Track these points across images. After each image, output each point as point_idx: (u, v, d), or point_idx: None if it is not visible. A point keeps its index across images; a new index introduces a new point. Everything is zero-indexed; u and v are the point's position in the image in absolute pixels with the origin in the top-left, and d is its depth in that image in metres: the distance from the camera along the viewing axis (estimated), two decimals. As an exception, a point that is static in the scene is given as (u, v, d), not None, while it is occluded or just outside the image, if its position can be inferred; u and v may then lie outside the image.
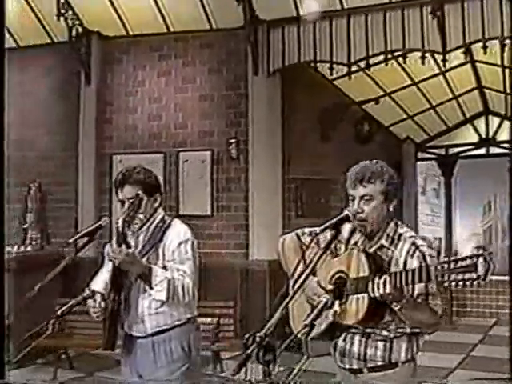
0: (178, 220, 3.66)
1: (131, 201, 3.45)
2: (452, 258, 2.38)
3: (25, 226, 8.36)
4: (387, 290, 2.54)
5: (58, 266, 3.49)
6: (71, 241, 3.27)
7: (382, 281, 2.56)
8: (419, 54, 7.69)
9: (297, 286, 2.32)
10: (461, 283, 2.34)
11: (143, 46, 8.97)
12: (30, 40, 9.11)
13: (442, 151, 11.40)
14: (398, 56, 8.25)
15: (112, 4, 8.55)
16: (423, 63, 7.62)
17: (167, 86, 8.90)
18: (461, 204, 11.34)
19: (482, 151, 11.17)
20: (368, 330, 2.86)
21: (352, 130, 10.00)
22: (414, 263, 2.74)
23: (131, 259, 3.32)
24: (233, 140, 8.60)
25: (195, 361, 3.49)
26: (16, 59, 9.28)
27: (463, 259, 2.32)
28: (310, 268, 2.42)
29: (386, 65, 8.18)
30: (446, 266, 2.36)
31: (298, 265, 2.71)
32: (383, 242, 2.88)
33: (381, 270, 2.67)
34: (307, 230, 2.98)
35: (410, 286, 2.67)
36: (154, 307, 3.46)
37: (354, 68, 8.49)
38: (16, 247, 7.26)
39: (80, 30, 8.66)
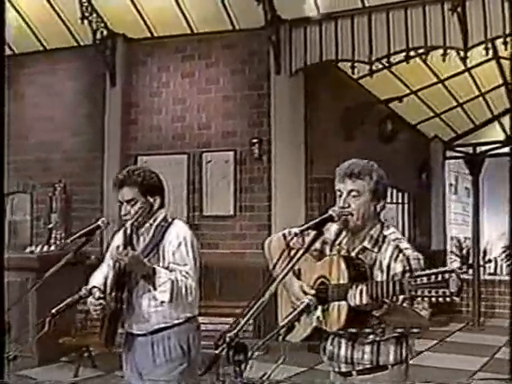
0: (179, 220, 3.67)
1: (140, 205, 3.49)
2: (424, 273, 2.33)
3: (49, 226, 8.50)
4: (363, 301, 2.50)
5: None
6: (69, 241, 3.33)
7: (358, 291, 2.51)
8: (441, 51, 7.65)
9: (272, 286, 2.31)
10: (433, 299, 2.29)
11: (167, 48, 9.08)
12: (57, 43, 9.27)
13: (470, 149, 11.29)
14: (421, 54, 8.22)
15: (135, 6, 8.67)
16: (444, 60, 7.56)
17: (191, 87, 9.00)
18: (489, 203, 11.21)
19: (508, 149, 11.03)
20: (354, 334, 2.82)
21: (376, 129, 9.96)
22: (397, 267, 2.70)
23: (136, 261, 3.36)
24: (256, 140, 8.65)
25: (195, 360, 3.51)
26: (44, 62, 9.50)
27: (435, 274, 2.28)
28: (286, 269, 2.37)
29: (407, 62, 8.13)
30: (418, 280, 2.30)
31: (281, 265, 2.71)
32: (366, 243, 2.84)
33: (361, 277, 2.63)
34: (294, 230, 2.94)
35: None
36: (154, 306, 3.49)
37: (379, 66, 8.48)
38: (40, 247, 7.39)
39: (105, 32, 8.78)
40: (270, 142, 8.62)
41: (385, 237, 2.83)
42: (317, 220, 2.65)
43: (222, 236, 8.72)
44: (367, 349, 2.83)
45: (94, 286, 3.52)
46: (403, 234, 10.55)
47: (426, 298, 2.65)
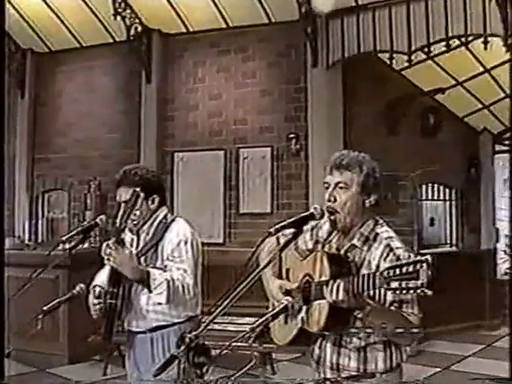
0: (180, 219, 3.66)
1: (128, 198, 3.46)
2: (395, 264, 2.25)
3: (83, 224, 8.58)
4: (340, 297, 2.42)
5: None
6: (65, 238, 3.33)
7: (335, 286, 2.44)
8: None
9: (242, 286, 2.23)
10: (404, 292, 2.20)
11: (202, 43, 9.07)
12: (93, 40, 9.36)
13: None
14: (463, 43, 8.00)
15: (169, 1, 8.67)
16: (486, 48, 7.32)
17: (227, 82, 8.97)
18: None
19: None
20: (338, 338, 2.74)
21: (419, 122, 9.73)
22: (396, 271, 2.48)
23: (126, 260, 3.33)
24: (292, 135, 8.56)
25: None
26: (80, 59, 9.62)
27: (406, 265, 2.19)
28: (258, 269, 2.31)
29: (448, 52, 7.91)
30: (391, 272, 2.22)
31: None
32: (355, 241, 2.74)
33: (345, 275, 2.52)
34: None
35: (383, 292, 2.53)
36: (152, 303, 3.48)
37: (422, 56, 8.29)
38: (73, 244, 7.44)
39: (139, 28, 8.81)
40: (307, 138, 8.53)
41: (377, 235, 2.73)
42: (296, 218, 2.59)
43: (259, 234, 8.66)
44: (353, 355, 2.74)
45: (96, 285, 3.52)
46: (451, 233, 10.36)
47: (415, 305, 2.57)
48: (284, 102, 8.66)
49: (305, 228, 2.90)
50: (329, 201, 2.72)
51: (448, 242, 10.29)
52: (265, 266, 2.35)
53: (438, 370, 7.22)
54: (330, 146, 8.50)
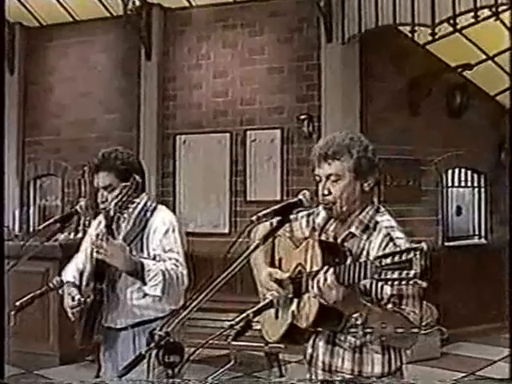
0: (162, 206, 3.74)
1: (119, 191, 3.53)
2: (387, 252, 2.27)
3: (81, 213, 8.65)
4: (328, 281, 2.42)
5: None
6: (41, 227, 3.41)
7: (322, 274, 2.44)
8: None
9: (221, 278, 2.29)
10: (396, 283, 2.21)
11: (207, 17, 9.09)
12: (87, 14, 9.42)
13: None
14: (493, 15, 7.97)
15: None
16: (514, 20, 7.31)
17: (233, 59, 9.00)
18: None
19: None
20: (331, 335, 2.75)
21: (444, 101, 9.71)
22: (387, 260, 2.49)
23: (118, 252, 3.39)
24: (304, 116, 8.57)
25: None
26: (74, 34, 9.70)
27: (399, 253, 2.20)
28: (240, 259, 2.34)
29: (476, 23, 7.88)
30: (383, 261, 2.23)
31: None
32: (353, 229, 2.74)
33: (339, 265, 2.51)
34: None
35: (379, 286, 2.56)
36: (137, 298, 3.55)
37: (448, 29, 8.27)
38: (65, 234, 7.55)
39: (137, 2, 8.86)
40: (321, 119, 8.53)
41: (377, 223, 2.74)
42: (282, 204, 2.62)
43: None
44: (347, 355, 2.74)
45: (68, 282, 3.59)
46: (479, 222, 10.35)
47: (416, 302, 2.59)
48: (295, 80, 8.67)
49: (300, 214, 2.98)
50: (323, 195, 2.74)
51: (476, 233, 10.27)
52: (246, 257, 2.38)
53: (463, 374, 7.22)
54: (346, 127, 8.51)
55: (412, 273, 2.17)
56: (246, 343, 6.15)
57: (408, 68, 9.02)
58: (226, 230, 8.79)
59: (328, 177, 2.75)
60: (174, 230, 3.59)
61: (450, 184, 9.84)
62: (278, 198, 8.62)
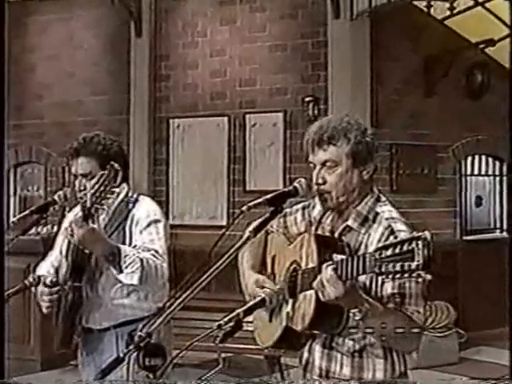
0: (146, 197, 3.77)
1: (103, 172, 3.54)
2: (387, 243, 2.26)
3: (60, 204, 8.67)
4: (327, 276, 2.39)
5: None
6: (15, 219, 3.42)
7: (322, 271, 2.42)
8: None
9: (207, 274, 2.29)
10: (398, 276, 2.19)
11: (203, -11, 9.11)
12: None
13: None
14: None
15: None
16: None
17: (232, 36, 9.01)
18: None
19: None
20: (329, 339, 2.73)
21: (463, 81, 9.68)
22: (388, 251, 2.44)
23: (95, 237, 3.40)
24: (310, 98, 8.56)
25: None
26: (57, 8, 9.71)
27: (400, 244, 2.19)
28: (225, 257, 2.32)
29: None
30: (383, 253, 2.22)
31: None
32: (350, 222, 2.72)
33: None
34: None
35: (379, 283, 2.54)
36: (120, 296, 3.57)
37: (469, 2, 8.26)
38: (48, 227, 7.58)
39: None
40: (327, 101, 8.54)
41: (377, 214, 2.72)
42: (275, 193, 2.60)
43: (269, 215, 8.75)
44: (346, 360, 2.72)
45: (43, 275, 3.60)
46: (501, 214, 10.34)
47: (420, 300, 2.58)
48: (299, 58, 8.67)
49: (295, 207, 2.96)
50: (317, 184, 2.72)
51: (497, 226, 10.26)
52: (235, 251, 2.36)
53: (484, 382, 7.22)
54: (355, 110, 8.51)
55: (414, 264, 2.15)
56: (244, 346, 6.20)
57: (423, 45, 9.00)
58: (224, 223, 8.79)
59: (323, 164, 2.72)
60: (156, 222, 3.60)
61: (468, 172, 9.82)
62: (281, 187, 8.62)
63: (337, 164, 2.71)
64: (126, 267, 3.42)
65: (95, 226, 3.46)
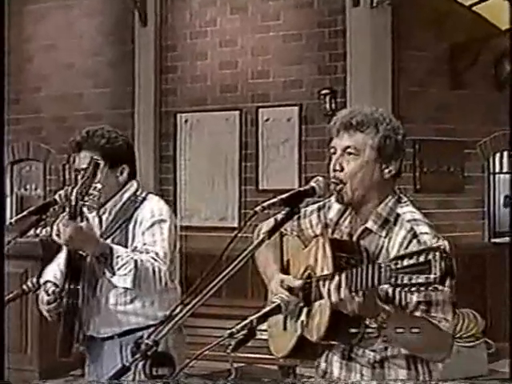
0: (155, 196, 3.79)
1: (84, 167, 3.56)
2: (403, 253, 2.27)
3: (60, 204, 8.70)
4: (341, 295, 2.40)
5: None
6: (12, 221, 3.45)
7: (335, 282, 2.42)
8: None
9: (218, 279, 2.30)
10: (414, 289, 2.20)
11: (212, -25, 9.13)
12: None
13: None
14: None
15: None
16: None
17: (243, 25, 9.02)
18: None
19: None
20: (347, 349, 2.74)
21: (491, 71, 9.65)
22: (404, 261, 2.43)
23: (83, 236, 3.41)
24: (327, 91, 8.56)
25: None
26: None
27: (416, 254, 2.19)
28: (241, 257, 2.33)
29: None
30: (399, 263, 2.22)
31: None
32: (369, 224, 2.72)
33: (354, 268, 2.47)
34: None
35: (402, 293, 2.55)
36: (124, 302, 3.60)
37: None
38: (47, 229, 7.59)
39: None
40: (346, 94, 8.55)
41: (398, 216, 2.72)
42: (290, 193, 2.60)
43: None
44: (366, 371, 2.73)
45: (48, 281, 3.63)
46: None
47: (447, 307, 2.58)
48: (316, 49, 8.67)
49: (310, 209, 2.97)
50: (334, 170, 2.72)
51: (528, 227, 10.23)
52: (247, 255, 2.37)
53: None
54: (375, 103, 8.48)
55: (432, 277, 2.15)
56: (257, 355, 6.21)
57: (448, 33, 8.99)
58: (235, 224, 8.80)
59: (345, 150, 2.73)
60: (161, 222, 3.62)
61: (497, 170, 9.79)
62: (296, 186, 8.63)
63: (359, 153, 2.72)
64: (119, 269, 3.45)
65: (83, 224, 3.47)
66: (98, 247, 3.46)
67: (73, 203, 3.44)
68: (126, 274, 3.44)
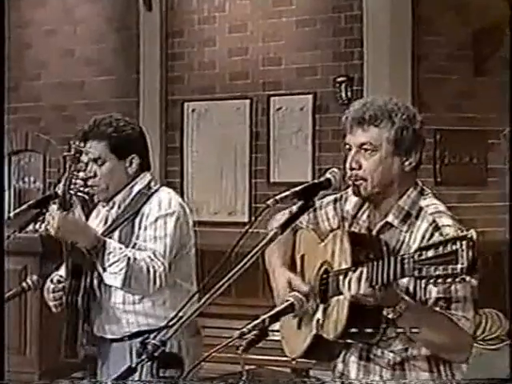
0: (166, 188, 3.80)
1: (110, 166, 3.59)
2: (428, 244, 2.27)
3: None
4: (361, 290, 2.42)
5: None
6: (12, 214, 3.47)
7: (356, 276, 2.44)
8: None
9: (227, 277, 2.31)
10: (440, 280, 2.19)
11: (220, -43, 9.13)
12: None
13: None
14: None
15: None
16: None
17: (253, 10, 9.01)
18: None
19: None
20: (365, 349, 2.76)
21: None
22: (429, 252, 2.44)
23: (73, 226, 3.45)
24: (343, 78, 8.57)
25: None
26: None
27: (442, 244, 2.19)
28: (252, 253, 2.34)
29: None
30: (423, 254, 2.23)
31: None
32: (390, 218, 2.74)
33: (373, 261, 2.49)
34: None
35: (423, 287, 2.57)
36: (131, 301, 3.61)
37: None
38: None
39: None
40: (363, 81, 8.55)
41: (420, 209, 2.74)
42: (305, 185, 2.62)
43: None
44: (386, 373, 2.74)
45: (58, 274, 3.66)
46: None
47: (468, 304, 2.60)
48: (331, 34, 8.66)
49: (325, 201, 2.99)
50: (352, 168, 2.73)
51: (556, 223, 10.20)
52: (259, 251, 2.39)
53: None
54: (393, 91, 8.51)
55: (458, 267, 2.14)
56: (268, 357, 6.23)
57: (473, 17, 8.97)
58: (245, 219, 8.81)
59: (360, 146, 2.75)
60: (166, 217, 3.63)
61: (523, 161, 9.78)
62: (309, 178, 8.63)
63: (376, 148, 2.73)
64: (110, 266, 3.47)
65: (72, 214, 3.50)
66: (89, 239, 3.48)
67: (60, 193, 3.46)
68: (116, 273, 3.47)
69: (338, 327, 2.60)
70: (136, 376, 2.27)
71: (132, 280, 3.48)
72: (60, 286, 3.61)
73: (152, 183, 3.75)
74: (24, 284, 3.60)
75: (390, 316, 2.51)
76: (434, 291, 2.59)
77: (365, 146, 2.74)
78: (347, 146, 2.79)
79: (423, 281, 2.41)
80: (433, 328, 2.58)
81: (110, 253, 3.47)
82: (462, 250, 2.15)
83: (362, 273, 2.45)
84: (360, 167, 2.73)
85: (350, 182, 2.76)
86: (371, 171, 2.73)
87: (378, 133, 2.72)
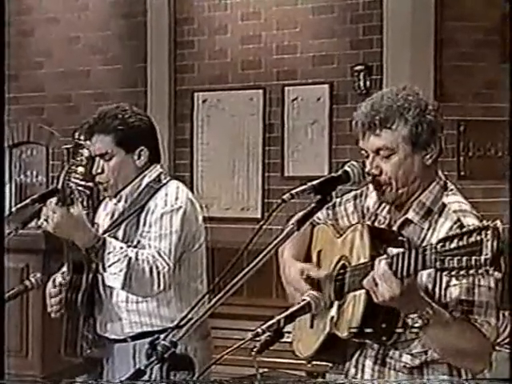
0: (175, 181, 3.78)
1: (118, 161, 3.60)
2: (450, 234, 2.26)
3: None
4: (381, 281, 2.41)
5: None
6: (14, 210, 3.48)
7: (376, 267, 2.44)
8: None
9: (241, 275, 2.31)
10: (463, 272, 2.18)
11: None
12: None
13: None
14: None
15: None
16: None
17: (267, -3, 9.04)
18: None
19: None
20: (382, 351, 2.74)
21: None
22: (452, 243, 2.39)
23: (73, 222, 3.44)
24: (361, 67, 8.58)
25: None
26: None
27: (466, 235, 2.19)
28: (267, 249, 2.36)
29: None
30: (446, 245, 2.22)
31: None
32: (410, 214, 2.74)
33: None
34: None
35: (443, 288, 2.57)
36: (135, 300, 3.62)
37: None
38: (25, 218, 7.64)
39: None
40: (382, 70, 8.55)
41: (444, 206, 2.73)
42: (322, 179, 2.62)
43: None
44: (402, 378, 2.73)
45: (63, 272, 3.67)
46: None
47: (491, 309, 2.58)
48: (348, 21, 8.68)
49: (345, 198, 3.01)
50: (373, 175, 2.72)
51: None
52: (274, 247, 2.40)
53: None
54: (415, 80, 8.48)
55: (483, 258, 2.13)
56: (282, 360, 6.23)
57: (499, 1, 8.95)
58: (258, 215, 8.85)
59: (377, 151, 2.73)
60: (172, 212, 3.63)
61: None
62: (325, 173, 8.63)
63: (394, 151, 2.72)
64: (110, 266, 3.48)
65: (72, 210, 3.48)
66: (89, 238, 3.49)
67: (59, 187, 3.47)
68: (116, 273, 3.48)
69: (353, 323, 2.60)
70: (145, 379, 2.27)
71: (133, 281, 3.49)
72: (59, 290, 3.63)
73: (162, 176, 3.75)
74: (27, 282, 3.59)
75: (417, 324, 2.51)
76: (455, 292, 2.58)
77: (382, 152, 2.73)
78: (363, 152, 2.78)
79: (444, 279, 2.40)
80: (455, 334, 2.57)
81: (109, 252, 3.48)
82: (487, 240, 2.14)
83: (382, 259, 2.46)
84: (381, 172, 2.73)
85: (374, 187, 2.77)
86: (393, 175, 2.72)
87: (392, 135, 2.71)
